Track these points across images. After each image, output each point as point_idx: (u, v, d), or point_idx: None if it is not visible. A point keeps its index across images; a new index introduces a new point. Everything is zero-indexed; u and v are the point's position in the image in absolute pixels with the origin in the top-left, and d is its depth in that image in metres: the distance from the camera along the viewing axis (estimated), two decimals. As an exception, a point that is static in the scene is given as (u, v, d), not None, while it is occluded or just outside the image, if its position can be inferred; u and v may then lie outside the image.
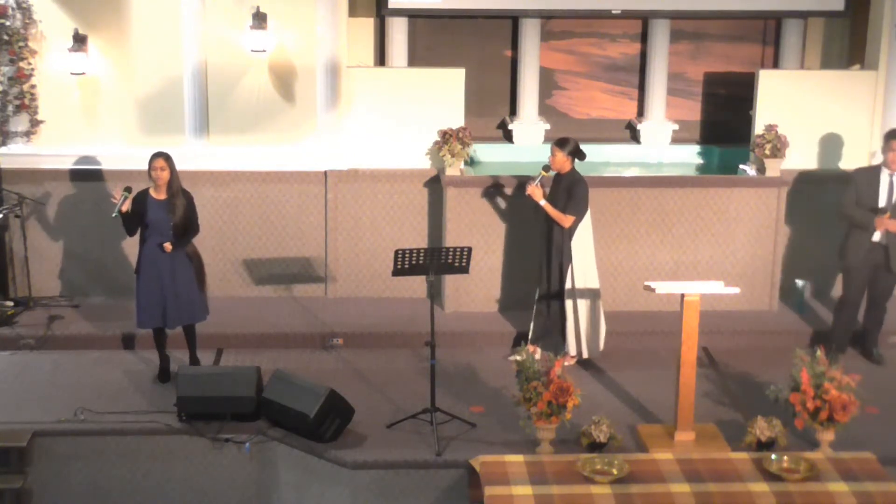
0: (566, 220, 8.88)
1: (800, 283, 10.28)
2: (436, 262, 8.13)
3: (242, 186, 10.31)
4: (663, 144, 11.36)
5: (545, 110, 11.46)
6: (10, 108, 10.02)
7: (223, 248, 10.32)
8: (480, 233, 10.07)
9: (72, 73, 10.01)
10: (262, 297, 10.43)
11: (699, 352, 8.32)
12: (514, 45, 11.38)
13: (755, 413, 7.95)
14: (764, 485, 7.17)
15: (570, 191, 8.87)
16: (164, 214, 8.61)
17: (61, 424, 8.17)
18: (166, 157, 8.64)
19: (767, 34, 11.49)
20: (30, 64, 9.98)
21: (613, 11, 10.90)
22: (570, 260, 8.95)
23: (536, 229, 9.24)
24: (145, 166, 9.80)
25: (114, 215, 8.58)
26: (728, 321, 9.90)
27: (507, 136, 11.35)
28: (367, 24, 11.25)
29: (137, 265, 8.77)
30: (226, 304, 10.02)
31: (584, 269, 9.01)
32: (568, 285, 9.00)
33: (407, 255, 8.04)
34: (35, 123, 10.12)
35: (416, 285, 10.11)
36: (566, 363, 8.41)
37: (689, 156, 11.39)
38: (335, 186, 10.33)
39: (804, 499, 7.03)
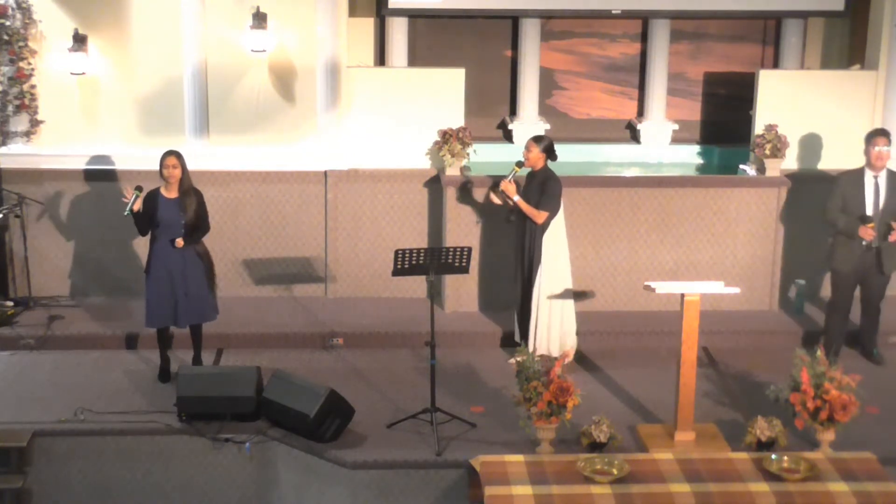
0: (539, 216, 8.87)
1: (800, 282, 10.27)
2: (436, 262, 8.13)
3: (242, 186, 10.31)
4: (663, 144, 11.36)
5: (545, 110, 11.46)
6: (10, 108, 10.02)
7: (223, 248, 10.31)
8: (480, 233, 10.07)
9: (72, 73, 10.01)
10: (262, 297, 10.44)
11: (699, 352, 8.32)
12: (514, 45, 11.38)
13: (755, 413, 7.95)
14: (764, 485, 7.17)
15: (544, 187, 8.88)
16: (175, 213, 8.62)
17: (61, 424, 8.16)
18: (178, 156, 8.66)
19: (767, 34, 11.49)
20: (30, 64, 9.98)
21: (613, 11, 10.90)
22: (540, 257, 8.93)
23: (507, 228, 9.24)
24: (145, 166, 9.84)
25: (125, 214, 8.58)
26: (728, 321, 9.90)
27: (507, 136, 11.35)
28: (367, 24, 11.25)
29: (147, 264, 8.76)
30: (226, 304, 9.98)
31: (555, 266, 8.97)
32: (537, 282, 8.98)
33: (407, 255, 8.04)
34: (35, 123, 10.12)
35: (416, 285, 10.11)
36: (566, 361, 8.41)
37: (689, 156, 11.39)
38: (335, 186, 10.33)
39: (804, 499, 7.02)
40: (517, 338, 9.28)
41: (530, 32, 11.17)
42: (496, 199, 9.20)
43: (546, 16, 11.19)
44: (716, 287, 7.97)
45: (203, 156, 10.12)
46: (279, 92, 10.23)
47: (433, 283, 8.12)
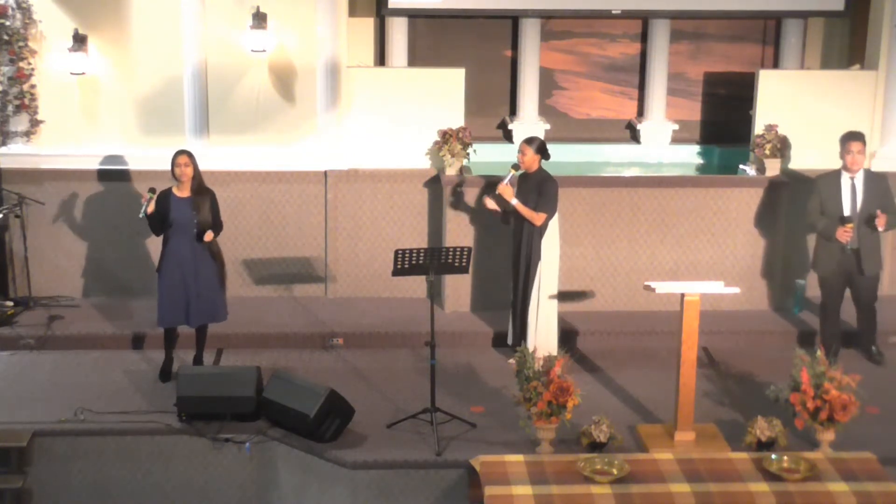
0: (538, 218, 8.86)
1: (800, 282, 10.27)
2: (436, 262, 8.13)
3: (242, 186, 10.31)
4: (663, 144, 11.37)
5: (545, 110, 11.46)
6: (10, 108, 10.02)
7: (223, 248, 10.22)
8: (480, 233, 10.07)
9: (72, 73, 10.01)
10: (262, 297, 10.44)
11: (699, 352, 8.32)
12: (514, 45, 11.39)
13: (755, 413, 7.94)
14: (764, 485, 7.17)
15: (541, 188, 8.87)
16: (188, 212, 8.63)
17: (61, 424, 8.16)
18: (189, 154, 8.69)
19: (767, 34, 11.50)
20: (30, 64, 9.99)
21: (613, 11, 10.90)
22: (538, 258, 8.92)
23: (502, 230, 9.23)
24: (146, 166, 9.85)
25: (140, 216, 8.58)
26: (728, 321, 9.90)
27: (507, 136, 11.35)
28: (367, 24, 11.25)
29: (160, 264, 8.76)
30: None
31: (549, 268, 8.97)
32: (535, 283, 8.97)
33: (407, 255, 8.04)
34: (35, 123, 10.12)
35: (416, 285, 10.11)
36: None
37: (689, 156, 11.39)
38: (335, 186, 10.33)
39: (804, 499, 7.03)
40: (509, 340, 9.26)
41: (530, 32, 11.18)
42: (490, 205, 9.14)
43: (546, 16, 11.19)
44: (716, 287, 7.97)
45: (203, 156, 10.06)
46: (279, 92, 10.23)
47: (433, 283, 8.12)
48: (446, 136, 10.06)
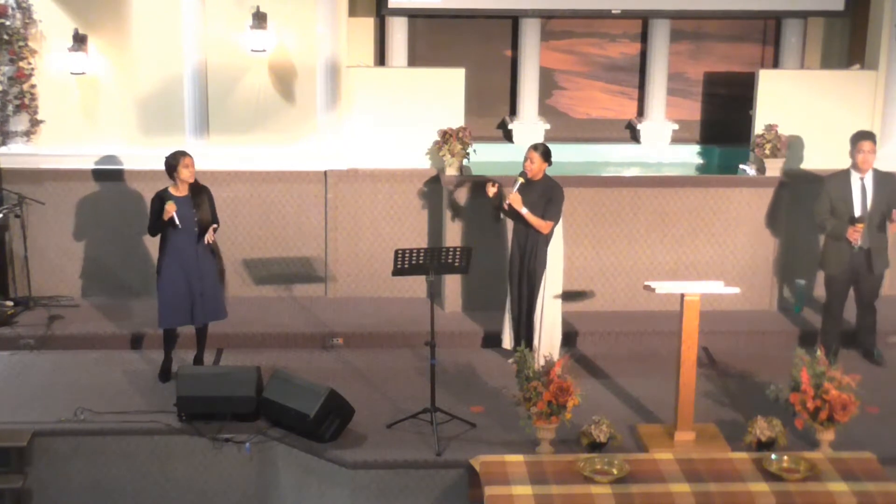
0: (546, 227, 8.82)
1: (800, 282, 10.27)
2: (436, 262, 8.13)
3: (242, 186, 10.31)
4: (663, 144, 11.36)
5: (545, 110, 11.46)
6: (10, 108, 10.02)
7: (223, 248, 10.31)
8: (480, 233, 10.07)
9: (72, 73, 10.02)
10: (262, 297, 10.43)
11: (699, 352, 8.32)
12: (514, 45, 11.38)
13: (755, 413, 7.94)
14: (764, 485, 7.17)
15: (550, 196, 8.82)
16: (188, 210, 8.64)
17: (61, 424, 8.16)
18: (190, 155, 8.73)
19: (767, 34, 11.50)
20: (30, 64, 9.99)
21: (613, 11, 10.90)
22: (544, 264, 8.89)
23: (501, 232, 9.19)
24: (145, 166, 9.86)
25: (178, 225, 8.55)
26: (728, 321, 9.90)
27: (507, 136, 11.35)
28: (367, 24, 11.25)
29: (159, 264, 8.76)
30: (226, 304, 10.00)
31: (554, 274, 8.95)
32: (541, 288, 8.94)
33: (407, 255, 8.04)
34: (35, 123, 10.12)
35: (416, 285, 10.11)
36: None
37: (689, 156, 11.39)
38: (335, 186, 10.33)
39: (804, 499, 7.02)
40: (506, 344, 9.21)
41: (530, 32, 11.18)
42: (491, 192, 9.04)
43: (546, 16, 11.19)
44: (715, 287, 7.97)
45: (203, 156, 10.10)
46: (279, 92, 10.23)
47: (433, 283, 8.12)
48: (446, 136, 10.06)
